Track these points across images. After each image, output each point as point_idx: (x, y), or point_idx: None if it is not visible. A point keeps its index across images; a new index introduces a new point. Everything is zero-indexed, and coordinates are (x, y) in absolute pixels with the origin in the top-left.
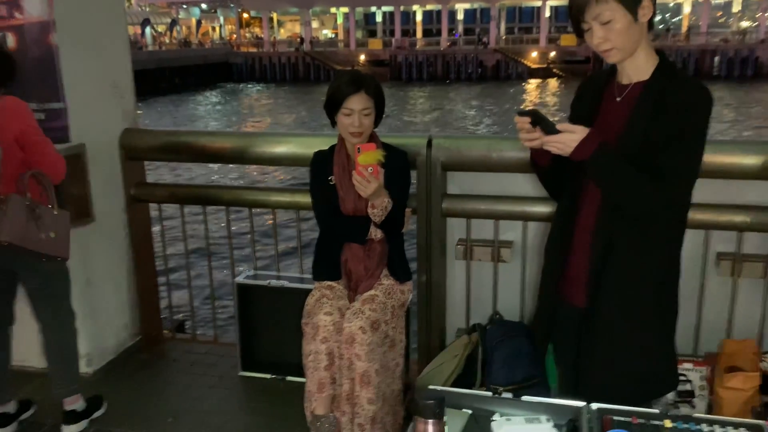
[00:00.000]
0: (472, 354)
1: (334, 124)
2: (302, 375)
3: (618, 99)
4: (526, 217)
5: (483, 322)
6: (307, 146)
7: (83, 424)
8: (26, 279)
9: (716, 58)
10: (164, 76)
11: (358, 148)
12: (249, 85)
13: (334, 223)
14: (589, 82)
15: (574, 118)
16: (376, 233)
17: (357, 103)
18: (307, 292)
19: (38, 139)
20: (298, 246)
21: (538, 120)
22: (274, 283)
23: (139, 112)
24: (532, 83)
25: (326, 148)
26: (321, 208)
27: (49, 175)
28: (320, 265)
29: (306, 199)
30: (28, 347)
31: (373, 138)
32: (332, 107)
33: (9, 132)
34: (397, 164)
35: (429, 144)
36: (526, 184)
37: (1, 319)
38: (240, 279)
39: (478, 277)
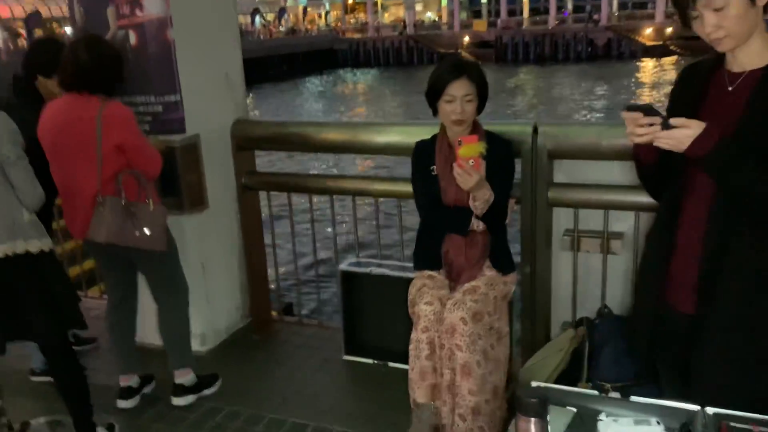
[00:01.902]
0: (579, 349)
1: (435, 112)
2: (404, 361)
3: (730, 89)
4: (638, 208)
5: (590, 316)
6: (410, 135)
7: (190, 398)
8: (138, 264)
9: None
10: (273, 63)
11: (460, 141)
12: (354, 71)
13: (435, 214)
14: (693, 70)
15: (676, 109)
16: (478, 225)
17: (459, 89)
18: (408, 280)
19: (139, 143)
20: (400, 235)
21: (648, 114)
22: (375, 270)
23: (248, 100)
24: (647, 62)
25: (428, 137)
26: (422, 199)
27: (146, 173)
28: (421, 255)
29: (408, 188)
30: (150, 325)
31: (476, 126)
32: (434, 94)
33: (111, 140)
34: (501, 154)
35: (535, 131)
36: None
37: (126, 294)
38: (344, 266)
39: (586, 270)
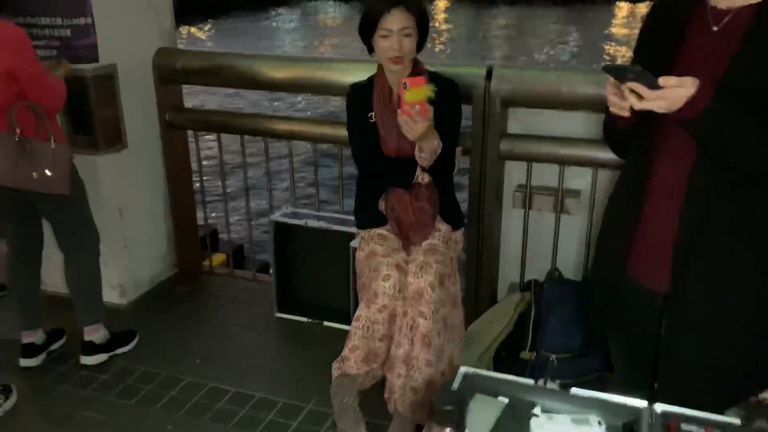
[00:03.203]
0: (525, 313)
1: (371, 50)
2: (341, 321)
3: (715, 29)
4: (596, 164)
5: (540, 278)
6: (353, 73)
7: (101, 357)
8: (40, 208)
9: None
10: None
11: (404, 83)
12: (325, 2)
13: (375, 166)
14: (665, 6)
15: (648, 51)
16: (423, 177)
17: (395, 22)
18: (348, 235)
19: (33, 71)
20: (339, 184)
21: (631, 76)
22: (311, 222)
23: (206, 28)
24: (623, 6)
25: (364, 79)
26: (360, 150)
27: (45, 106)
28: (363, 212)
29: None
30: (62, 272)
31: (417, 66)
32: (367, 29)
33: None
34: (447, 96)
35: (489, 75)
36: (598, 124)
37: (28, 241)
38: (277, 216)
39: (537, 229)
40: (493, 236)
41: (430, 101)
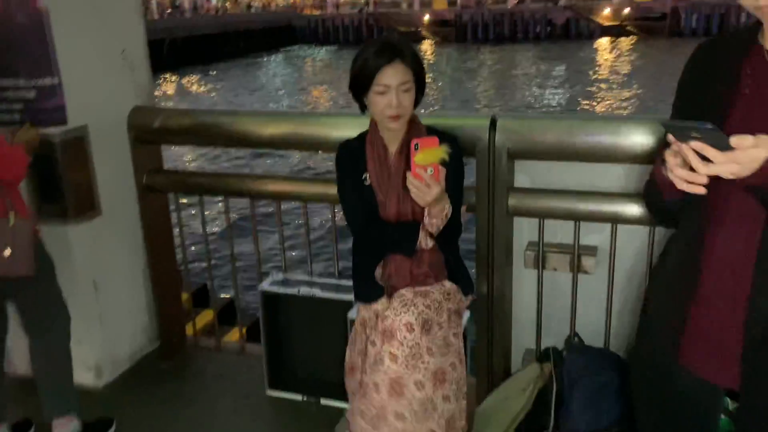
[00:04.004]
0: (545, 388)
1: (363, 108)
2: (338, 398)
3: None
4: (615, 219)
5: (558, 344)
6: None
7: None
8: (2, 289)
9: None
10: (229, 40)
11: (416, 144)
12: (313, 48)
13: (373, 233)
14: (714, 49)
15: (695, 101)
16: (427, 242)
17: (394, 77)
18: (345, 304)
19: None
20: (334, 247)
21: (699, 134)
22: (305, 291)
23: (195, 77)
24: (604, 42)
25: (354, 137)
26: (354, 215)
27: (1, 178)
28: (360, 283)
29: None
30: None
31: (414, 123)
32: (360, 86)
33: None
34: (450, 154)
35: (492, 125)
36: (615, 176)
37: None
38: (266, 286)
39: (552, 290)
40: (504, 299)
41: (443, 163)
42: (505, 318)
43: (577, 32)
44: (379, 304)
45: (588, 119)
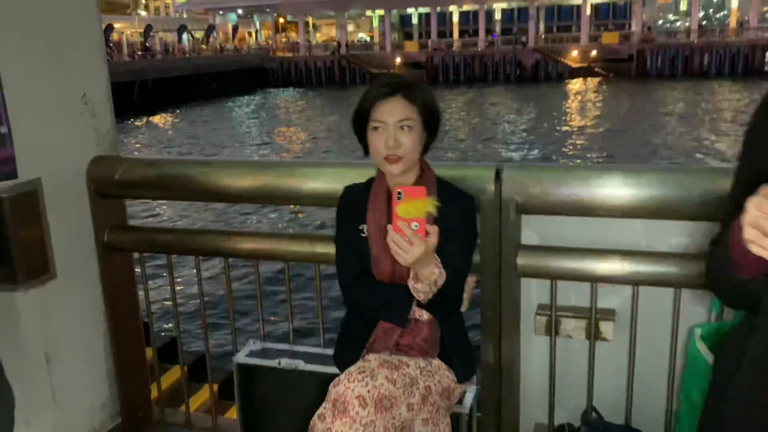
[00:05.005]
0: None
1: (367, 151)
2: None
3: None
4: (636, 280)
5: (572, 419)
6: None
7: None
8: None
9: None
10: (201, 82)
11: (399, 193)
12: (285, 90)
13: (361, 292)
14: None
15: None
16: (421, 313)
17: (391, 112)
18: (331, 377)
19: None
20: (318, 310)
21: None
22: (287, 363)
23: (171, 118)
24: (573, 83)
25: (362, 182)
26: (345, 268)
27: None
28: (344, 350)
29: (328, 248)
30: None
31: (424, 175)
32: (360, 122)
33: None
34: (458, 214)
35: (497, 176)
36: (635, 232)
37: None
38: (242, 357)
39: (565, 358)
40: (513, 369)
41: (435, 220)
42: (513, 390)
43: (546, 74)
44: None
45: (604, 170)
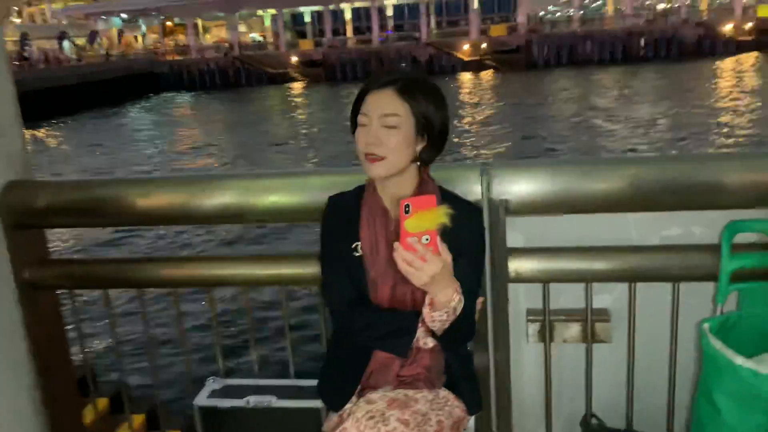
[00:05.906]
0: None
1: None
2: None
3: None
4: (633, 277)
5: (570, 428)
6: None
7: None
8: None
9: (642, 40)
10: (88, 90)
11: (406, 206)
12: (178, 94)
13: (357, 320)
14: None
15: None
16: (425, 341)
17: (376, 104)
18: (312, 412)
19: None
20: (286, 337)
21: None
22: (256, 401)
23: (57, 134)
24: (466, 76)
25: (349, 191)
26: (336, 291)
27: None
28: (337, 383)
29: (296, 269)
30: None
31: (425, 181)
32: (354, 114)
33: None
34: (472, 230)
35: (483, 176)
36: (628, 226)
37: None
38: (203, 399)
39: (559, 363)
40: (504, 378)
41: (446, 232)
42: (504, 400)
43: (440, 67)
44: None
45: (597, 163)
